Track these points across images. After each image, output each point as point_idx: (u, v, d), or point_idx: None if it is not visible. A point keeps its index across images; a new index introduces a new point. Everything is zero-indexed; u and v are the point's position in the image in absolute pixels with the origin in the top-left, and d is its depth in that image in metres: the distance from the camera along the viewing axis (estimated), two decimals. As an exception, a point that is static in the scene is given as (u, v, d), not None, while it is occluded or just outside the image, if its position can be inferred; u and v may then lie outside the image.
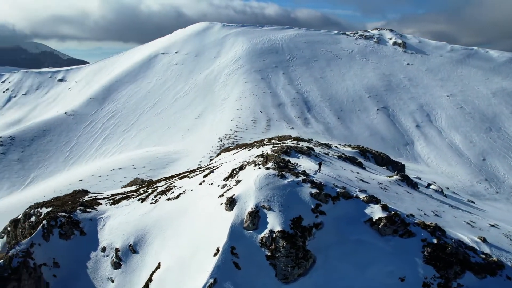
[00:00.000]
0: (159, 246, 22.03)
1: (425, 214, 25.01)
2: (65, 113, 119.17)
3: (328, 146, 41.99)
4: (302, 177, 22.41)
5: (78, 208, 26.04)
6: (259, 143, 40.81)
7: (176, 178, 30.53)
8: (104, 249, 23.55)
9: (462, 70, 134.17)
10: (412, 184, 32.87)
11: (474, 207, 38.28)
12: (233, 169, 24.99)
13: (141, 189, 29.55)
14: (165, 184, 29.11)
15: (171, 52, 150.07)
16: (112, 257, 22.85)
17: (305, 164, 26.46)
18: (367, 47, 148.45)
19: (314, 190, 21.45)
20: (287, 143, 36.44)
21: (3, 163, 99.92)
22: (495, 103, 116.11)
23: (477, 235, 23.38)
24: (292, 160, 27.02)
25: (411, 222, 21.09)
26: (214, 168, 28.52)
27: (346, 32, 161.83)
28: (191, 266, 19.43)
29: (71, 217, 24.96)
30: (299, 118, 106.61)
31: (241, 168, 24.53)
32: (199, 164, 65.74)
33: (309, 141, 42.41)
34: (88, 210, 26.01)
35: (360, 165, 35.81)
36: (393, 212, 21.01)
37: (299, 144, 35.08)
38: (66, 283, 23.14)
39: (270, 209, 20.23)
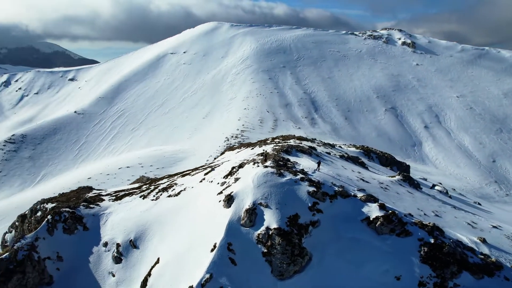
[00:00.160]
0: (159, 241, 22.44)
1: (424, 214, 24.94)
2: (75, 112, 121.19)
3: (332, 146, 42.00)
4: (300, 176, 22.58)
5: (82, 204, 26.66)
6: (262, 142, 41.04)
7: (178, 176, 30.97)
8: (106, 244, 24.07)
9: (473, 70, 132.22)
10: (414, 185, 32.71)
11: (480, 209, 37.90)
12: (233, 167, 25.30)
13: (144, 186, 30.08)
14: (167, 181, 29.57)
15: (179, 51, 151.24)
16: (113, 252, 23.34)
17: (304, 163, 26.61)
18: (376, 47, 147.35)
19: (311, 189, 21.60)
20: (290, 142, 36.59)
21: (14, 160, 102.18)
22: (507, 104, 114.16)
23: (478, 236, 23.25)
24: (293, 159, 27.20)
25: (408, 221, 21.10)
26: (215, 166, 28.87)
27: (355, 32, 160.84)
28: (189, 262, 19.77)
29: (74, 213, 25.56)
30: (306, 118, 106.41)
31: (241, 166, 24.82)
32: (205, 163, 66.21)
33: (313, 140, 42.48)
34: (92, 206, 26.60)
35: (362, 165, 35.76)
36: (390, 211, 21.05)
37: (301, 144, 35.21)
38: (69, 276, 23.71)
39: (267, 206, 20.46)
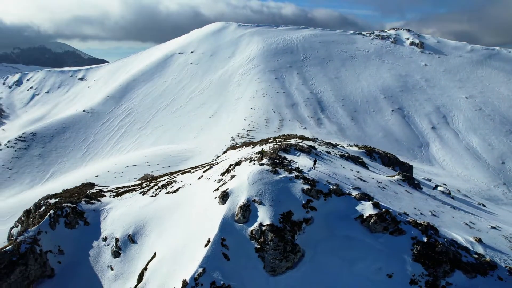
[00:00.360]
0: (156, 236, 22.91)
1: (421, 214, 24.92)
2: (84, 110, 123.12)
3: (333, 146, 42.07)
4: (295, 173, 22.82)
5: (83, 199, 27.32)
6: (264, 142, 41.29)
7: (178, 173, 31.45)
8: (105, 239, 24.65)
9: (483, 71, 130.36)
10: (414, 184, 32.61)
11: (483, 210, 37.56)
12: (230, 165, 25.65)
13: (144, 183, 30.63)
14: (167, 178, 30.07)
15: (187, 51, 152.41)
16: (112, 246, 23.90)
17: (302, 161, 26.82)
18: (383, 47, 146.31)
19: (306, 186, 21.82)
20: (290, 141, 36.80)
21: (25, 158, 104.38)
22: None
23: (474, 236, 23.16)
24: (290, 157, 27.42)
25: (402, 220, 21.16)
26: (214, 164, 29.27)
27: (362, 32, 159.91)
28: (184, 256, 20.17)
29: (76, 208, 26.21)
30: (312, 118, 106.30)
31: (237, 164, 25.16)
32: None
33: (314, 140, 42.61)
34: (93, 201, 27.24)
35: (362, 164, 35.78)
36: (384, 210, 21.14)
37: (301, 143, 35.39)
38: (69, 269, 24.35)
39: (261, 203, 20.75)
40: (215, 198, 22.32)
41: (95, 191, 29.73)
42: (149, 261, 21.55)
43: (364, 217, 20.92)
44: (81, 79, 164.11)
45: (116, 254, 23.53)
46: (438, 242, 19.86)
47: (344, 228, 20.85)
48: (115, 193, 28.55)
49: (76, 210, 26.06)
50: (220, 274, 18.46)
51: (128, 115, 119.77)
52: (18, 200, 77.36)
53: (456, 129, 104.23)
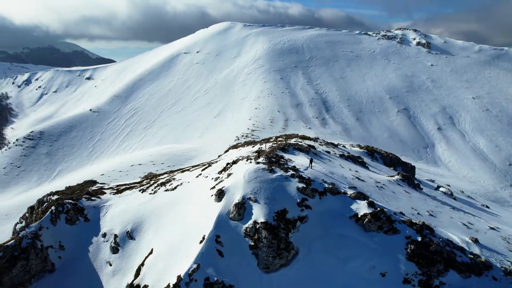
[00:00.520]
0: (153, 233, 23.26)
1: (418, 214, 24.88)
2: (90, 110, 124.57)
3: (334, 145, 42.10)
4: (291, 172, 22.97)
5: (84, 196, 27.80)
6: (265, 141, 41.48)
7: (178, 171, 31.81)
8: (104, 235, 25.07)
9: (490, 71, 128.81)
10: (414, 185, 32.52)
11: (486, 211, 37.31)
12: (227, 163, 25.91)
13: (145, 181, 31.04)
14: (167, 176, 30.44)
15: (192, 51, 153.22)
16: (111, 242, 24.30)
17: (299, 160, 26.95)
18: (390, 47, 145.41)
19: (301, 185, 21.96)
20: (291, 141, 36.94)
21: (32, 156, 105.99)
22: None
23: (471, 236, 23.07)
24: (287, 156, 27.58)
25: (397, 219, 21.18)
26: (213, 162, 29.54)
27: (368, 32, 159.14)
28: (179, 253, 20.47)
29: (76, 204, 26.70)
30: (317, 118, 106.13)
31: (235, 162, 25.40)
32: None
33: (315, 139, 42.67)
34: (93, 198, 27.70)
35: (362, 164, 35.77)
36: (378, 209, 21.19)
37: (302, 142, 35.51)
38: (70, 264, 24.82)
39: (256, 201, 20.96)
40: (212, 195, 22.59)
41: (96, 188, 30.23)
42: (146, 257, 21.90)
43: (359, 216, 21.01)
44: (89, 78, 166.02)
45: (114, 250, 23.92)
46: (433, 242, 19.85)
47: (339, 226, 20.95)
48: (115, 191, 29.01)
49: (76, 207, 26.54)
50: (214, 271, 18.71)
51: (134, 114, 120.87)
52: (26, 198, 78.54)
53: (463, 130, 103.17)
